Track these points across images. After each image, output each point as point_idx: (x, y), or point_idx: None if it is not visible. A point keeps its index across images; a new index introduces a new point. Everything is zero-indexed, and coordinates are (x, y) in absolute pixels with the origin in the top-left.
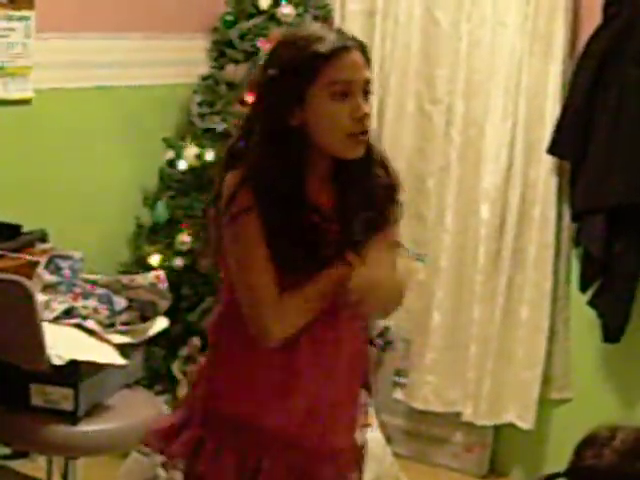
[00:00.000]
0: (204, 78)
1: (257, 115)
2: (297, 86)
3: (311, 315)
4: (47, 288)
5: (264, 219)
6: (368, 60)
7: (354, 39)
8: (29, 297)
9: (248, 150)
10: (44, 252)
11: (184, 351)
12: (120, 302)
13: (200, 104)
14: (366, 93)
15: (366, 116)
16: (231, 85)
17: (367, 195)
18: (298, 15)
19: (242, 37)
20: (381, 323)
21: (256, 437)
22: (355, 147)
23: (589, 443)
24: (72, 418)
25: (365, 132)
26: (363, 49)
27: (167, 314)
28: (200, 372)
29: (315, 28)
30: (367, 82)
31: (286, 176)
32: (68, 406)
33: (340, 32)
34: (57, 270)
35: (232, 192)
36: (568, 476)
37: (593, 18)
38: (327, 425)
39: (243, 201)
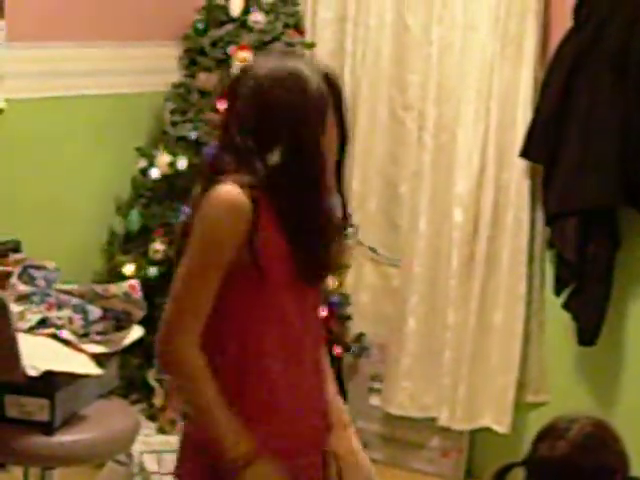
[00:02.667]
0: (176, 86)
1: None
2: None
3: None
4: (21, 298)
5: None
6: None
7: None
8: (3, 307)
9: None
10: (17, 262)
11: None
12: (94, 312)
13: (172, 112)
14: None
15: None
16: (203, 93)
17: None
18: (269, 22)
19: (214, 45)
20: (356, 329)
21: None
22: None
23: (546, 434)
24: (48, 429)
25: None
26: None
27: (142, 323)
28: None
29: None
30: None
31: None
32: (44, 417)
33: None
34: (31, 280)
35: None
36: (525, 466)
37: (564, 21)
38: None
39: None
